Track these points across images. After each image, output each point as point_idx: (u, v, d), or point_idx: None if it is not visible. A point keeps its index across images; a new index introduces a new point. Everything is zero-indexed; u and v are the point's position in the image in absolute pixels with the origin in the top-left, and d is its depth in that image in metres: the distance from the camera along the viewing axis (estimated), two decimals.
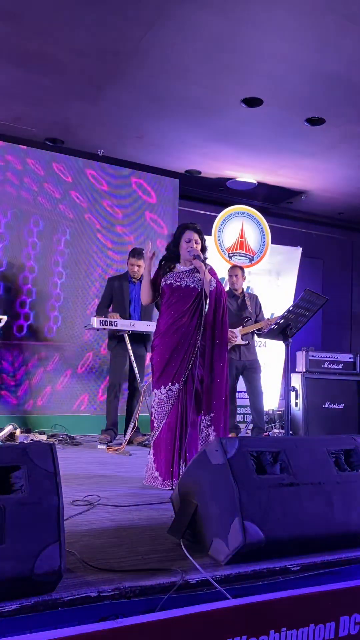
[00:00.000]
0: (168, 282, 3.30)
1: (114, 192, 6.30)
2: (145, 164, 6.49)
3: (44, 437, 4.94)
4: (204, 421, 3.19)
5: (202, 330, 3.18)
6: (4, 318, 4.28)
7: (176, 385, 3.17)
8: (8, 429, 4.61)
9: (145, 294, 3.42)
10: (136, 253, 5.00)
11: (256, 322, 5.20)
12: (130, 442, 4.74)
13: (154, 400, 3.23)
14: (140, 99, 5.11)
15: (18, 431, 4.79)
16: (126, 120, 5.55)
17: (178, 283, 3.28)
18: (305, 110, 5.19)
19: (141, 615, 1.44)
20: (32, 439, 4.71)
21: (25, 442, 4.42)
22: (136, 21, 4.02)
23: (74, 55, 4.46)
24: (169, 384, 3.17)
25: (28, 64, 4.56)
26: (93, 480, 3.25)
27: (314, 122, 5.37)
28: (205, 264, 3.28)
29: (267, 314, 5.29)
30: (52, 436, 5.10)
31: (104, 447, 4.71)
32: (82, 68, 4.64)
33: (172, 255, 3.38)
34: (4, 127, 5.65)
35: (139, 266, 4.94)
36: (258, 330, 5.15)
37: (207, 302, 3.22)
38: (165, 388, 3.18)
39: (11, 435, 4.64)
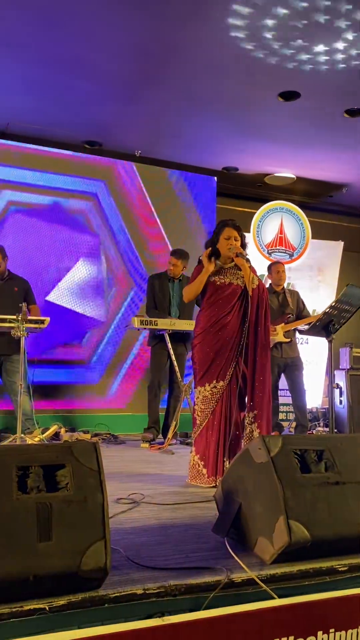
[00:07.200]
0: (211, 279, 3.30)
1: (152, 192, 6.33)
2: (182, 162, 6.49)
3: (87, 436, 5.01)
4: (248, 418, 3.18)
5: (245, 328, 3.19)
6: (47, 319, 4.37)
7: (221, 383, 3.18)
8: (53, 428, 4.71)
9: (193, 292, 3.35)
10: (174, 252, 5.10)
11: (298, 318, 5.13)
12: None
13: (198, 397, 3.24)
14: (176, 98, 5.12)
15: (63, 430, 4.89)
16: (163, 120, 5.56)
17: (222, 280, 3.29)
18: (344, 101, 5.09)
19: (187, 613, 1.44)
20: (76, 438, 4.79)
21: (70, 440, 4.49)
22: (169, 20, 4.02)
23: (108, 57, 4.50)
24: (214, 381, 3.19)
25: (64, 67, 4.64)
26: (136, 478, 3.28)
27: (354, 113, 5.25)
28: (248, 262, 3.27)
29: (309, 311, 5.22)
30: (96, 435, 5.17)
31: (146, 445, 4.75)
32: (117, 69, 4.67)
33: (212, 253, 3.37)
34: (43, 131, 5.76)
35: (174, 265, 5.02)
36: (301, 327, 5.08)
37: (250, 300, 3.20)
38: (210, 385, 3.19)
39: (56, 435, 4.74)
